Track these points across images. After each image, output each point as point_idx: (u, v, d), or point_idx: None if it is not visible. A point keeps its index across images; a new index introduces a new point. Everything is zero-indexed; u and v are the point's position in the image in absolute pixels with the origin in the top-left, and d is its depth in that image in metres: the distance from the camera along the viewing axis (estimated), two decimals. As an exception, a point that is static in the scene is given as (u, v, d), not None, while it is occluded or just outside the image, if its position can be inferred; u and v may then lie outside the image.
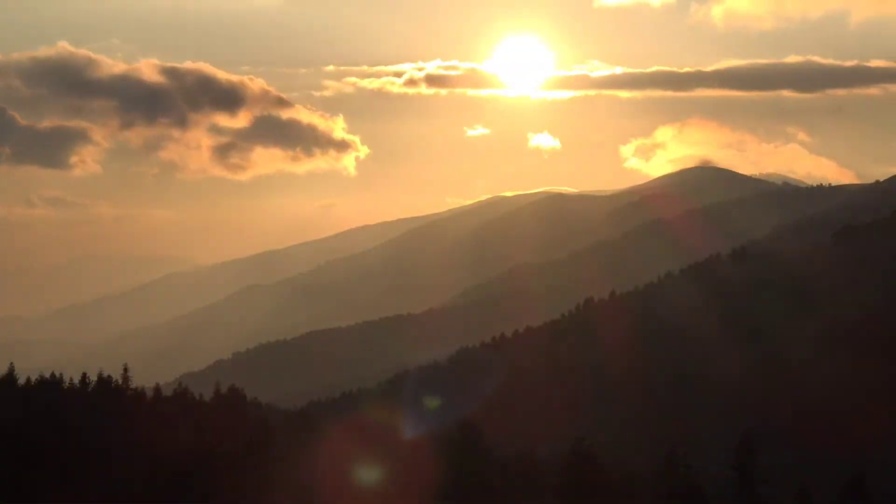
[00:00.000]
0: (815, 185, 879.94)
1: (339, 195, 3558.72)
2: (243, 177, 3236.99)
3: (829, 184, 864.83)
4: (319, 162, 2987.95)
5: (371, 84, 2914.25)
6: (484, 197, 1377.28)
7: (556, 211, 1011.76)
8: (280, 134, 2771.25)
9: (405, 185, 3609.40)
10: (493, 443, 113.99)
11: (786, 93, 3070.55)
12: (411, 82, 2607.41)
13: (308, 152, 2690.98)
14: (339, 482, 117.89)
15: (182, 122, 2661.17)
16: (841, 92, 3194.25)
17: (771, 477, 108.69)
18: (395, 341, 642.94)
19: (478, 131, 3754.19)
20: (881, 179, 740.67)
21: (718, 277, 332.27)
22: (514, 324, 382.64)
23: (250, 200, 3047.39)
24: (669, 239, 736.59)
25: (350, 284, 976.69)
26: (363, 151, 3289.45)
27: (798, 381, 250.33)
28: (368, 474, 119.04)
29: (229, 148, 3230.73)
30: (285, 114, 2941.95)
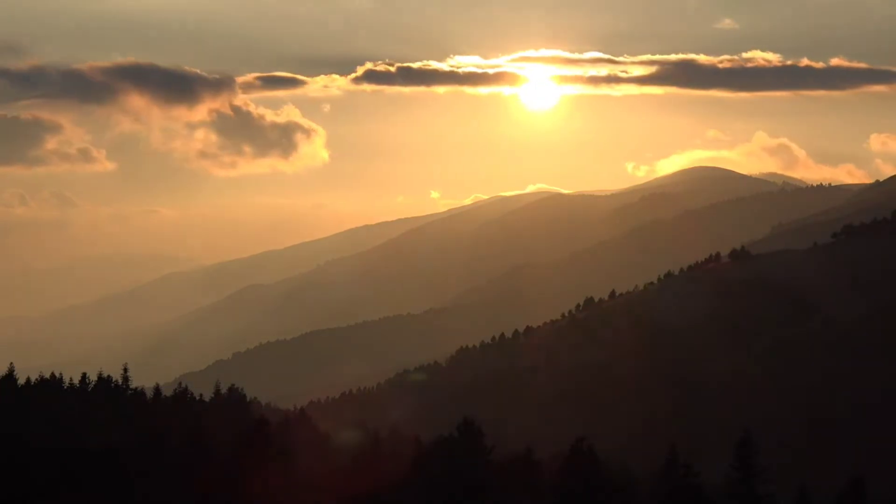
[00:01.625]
0: (815, 185, 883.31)
1: (322, 193, 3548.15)
2: (227, 174, 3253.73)
3: (829, 184, 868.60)
4: (288, 151, 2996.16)
5: (320, 83, 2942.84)
6: (481, 196, 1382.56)
7: (556, 211, 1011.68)
8: (239, 128, 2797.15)
9: (387, 184, 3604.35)
10: (493, 443, 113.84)
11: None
12: (361, 80, 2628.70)
13: (278, 144, 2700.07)
14: (339, 482, 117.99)
15: (142, 117, 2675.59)
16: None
17: (771, 477, 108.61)
18: (395, 341, 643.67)
19: (439, 130, 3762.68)
20: (881, 179, 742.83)
21: (718, 277, 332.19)
22: (514, 324, 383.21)
23: (230, 200, 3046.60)
24: (669, 239, 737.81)
25: (350, 284, 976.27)
26: (323, 134, 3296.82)
27: (798, 381, 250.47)
28: (367, 473, 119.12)
29: (193, 144, 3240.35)
30: (241, 105, 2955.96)
